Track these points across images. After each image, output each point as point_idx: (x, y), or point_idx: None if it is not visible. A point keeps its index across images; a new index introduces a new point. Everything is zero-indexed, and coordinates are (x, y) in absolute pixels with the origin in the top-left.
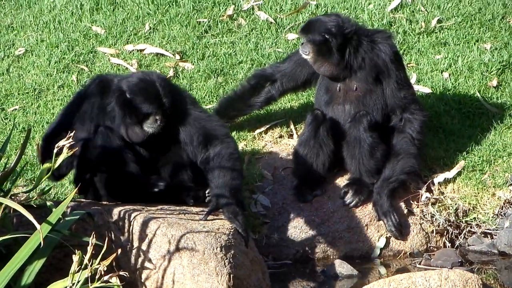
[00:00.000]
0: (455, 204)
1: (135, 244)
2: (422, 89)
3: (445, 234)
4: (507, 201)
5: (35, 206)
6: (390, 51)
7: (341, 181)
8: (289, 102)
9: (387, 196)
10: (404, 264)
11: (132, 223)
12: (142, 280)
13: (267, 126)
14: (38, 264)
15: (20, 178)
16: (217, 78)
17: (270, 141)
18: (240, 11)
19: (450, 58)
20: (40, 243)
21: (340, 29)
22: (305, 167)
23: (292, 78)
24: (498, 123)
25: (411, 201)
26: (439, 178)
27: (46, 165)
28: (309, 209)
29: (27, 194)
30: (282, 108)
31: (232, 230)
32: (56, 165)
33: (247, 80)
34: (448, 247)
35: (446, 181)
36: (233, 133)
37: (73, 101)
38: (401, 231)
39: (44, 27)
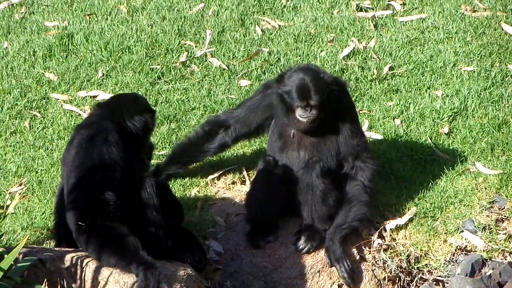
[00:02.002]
0: (407, 250)
1: None
2: (374, 135)
3: (397, 281)
4: (458, 247)
5: None
6: (346, 99)
7: (294, 227)
8: (242, 149)
9: (339, 243)
10: None
11: (84, 269)
12: None
13: (220, 172)
14: None
15: None
16: (170, 124)
17: (223, 187)
18: (193, 58)
19: (402, 105)
20: None
21: (334, 79)
22: (257, 213)
23: (245, 124)
24: (449, 169)
25: (363, 247)
26: (391, 224)
27: None
28: (261, 255)
29: None
30: (234, 154)
31: (185, 277)
32: (8, 212)
33: (201, 126)
34: None
35: (398, 228)
36: (186, 179)
37: None
38: (354, 277)
39: None
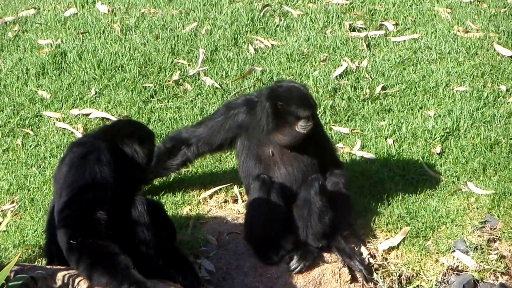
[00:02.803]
0: (399, 270)
1: None
2: (366, 155)
3: None
4: (450, 267)
5: None
6: None
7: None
8: (234, 167)
9: (345, 242)
10: None
11: None
12: None
13: (212, 190)
14: None
15: None
16: None
17: (215, 206)
18: (186, 77)
19: (394, 125)
20: None
21: None
22: (260, 231)
23: (207, 143)
24: (441, 189)
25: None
26: (383, 245)
27: None
28: (253, 275)
29: None
30: (226, 172)
31: None
32: (0, 229)
33: (162, 143)
34: None
35: (390, 247)
36: (178, 198)
37: None
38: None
39: None
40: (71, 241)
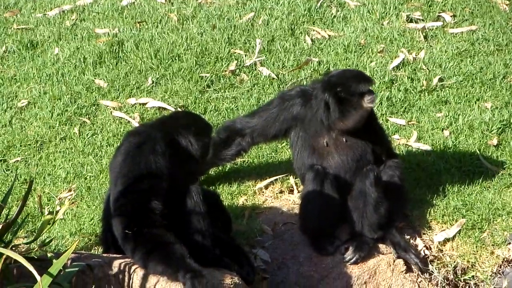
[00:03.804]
0: (454, 262)
1: None
2: (422, 146)
3: None
4: (505, 259)
5: (36, 257)
6: None
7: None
8: (290, 158)
9: (399, 235)
10: None
11: (132, 276)
12: None
13: (268, 181)
14: None
15: (21, 230)
16: None
17: (271, 196)
18: (243, 67)
19: (451, 117)
20: None
21: None
22: (316, 222)
23: (262, 134)
24: (497, 182)
25: None
26: (439, 236)
27: (48, 216)
28: (308, 265)
29: (28, 245)
30: (282, 163)
31: (232, 286)
32: (58, 218)
33: (217, 133)
34: None
35: (445, 239)
36: (234, 188)
37: None
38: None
39: (47, 80)
40: (127, 231)
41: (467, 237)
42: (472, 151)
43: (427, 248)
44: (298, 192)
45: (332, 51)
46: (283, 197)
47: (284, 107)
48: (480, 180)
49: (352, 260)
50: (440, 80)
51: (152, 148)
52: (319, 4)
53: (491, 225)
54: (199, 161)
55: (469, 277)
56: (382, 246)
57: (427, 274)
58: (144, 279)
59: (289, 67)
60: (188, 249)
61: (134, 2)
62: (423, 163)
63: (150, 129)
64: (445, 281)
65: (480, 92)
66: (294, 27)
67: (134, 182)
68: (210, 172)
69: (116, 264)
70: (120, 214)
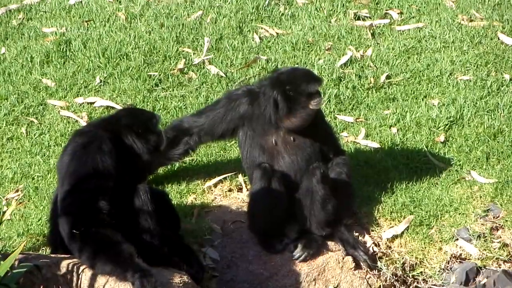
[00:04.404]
0: (402, 258)
1: None
2: (370, 144)
3: None
4: (453, 255)
5: None
6: None
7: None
8: (239, 156)
9: (348, 232)
10: None
11: (80, 276)
12: None
13: (217, 179)
14: None
15: None
16: None
17: (220, 195)
18: (191, 65)
19: (398, 114)
20: None
21: None
22: (263, 221)
23: (209, 133)
24: (445, 178)
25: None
26: (387, 233)
27: None
28: (257, 263)
29: None
30: (231, 161)
31: (181, 285)
32: (5, 218)
33: (164, 132)
34: None
35: (394, 236)
36: (182, 186)
37: None
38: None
39: None
40: (73, 230)
41: (415, 234)
42: (420, 148)
43: (375, 245)
44: (247, 190)
45: (280, 49)
46: (232, 195)
47: (231, 107)
48: (428, 177)
49: (301, 258)
50: (388, 77)
51: (98, 147)
52: (267, 2)
53: (439, 222)
54: (147, 158)
55: (418, 273)
56: (331, 244)
57: (376, 270)
58: (93, 279)
59: (238, 65)
60: (136, 248)
61: (81, 1)
62: (371, 160)
63: (96, 128)
64: (394, 277)
65: (427, 89)
66: (242, 25)
67: (81, 181)
68: (158, 171)
69: (64, 265)
70: (67, 213)
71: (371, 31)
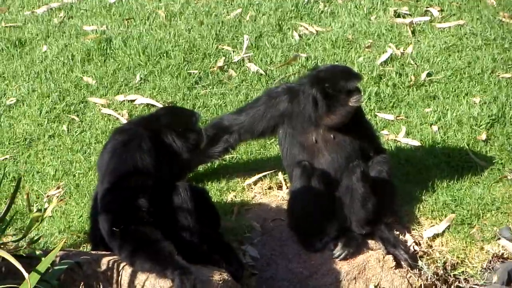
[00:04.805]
0: (444, 257)
1: None
2: (411, 142)
3: None
4: (495, 255)
5: (24, 255)
6: None
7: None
8: (279, 154)
9: (389, 231)
10: None
11: (121, 273)
12: None
13: (257, 177)
14: None
15: (9, 227)
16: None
17: (259, 193)
18: (231, 63)
19: (439, 112)
20: None
21: None
22: (303, 219)
23: (249, 131)
24: (486, 177)
25: None
26: (428, 232)
27: (36, 214)
28: (297, 261)
29: (16, 243)
30: (271, 159)
31: (221, 282)
32: (46, 215)
33: (204, 130)
34: None
35: (435, 235)
36: (222, 184)
37: None
38: (413, 258)
39: (35, 77)
40: (113, 228)
41: (457, 233)
42: (461, 146)
43: (416, 244)
44: (287, 188)
45: (320, 46)
46: (272, 193)
47: (271, 104)
48: (469, 175)
49: (341, 256)
50: (428, 75)
51: (138, 145)
52: (306, 0)
53: (481, 221)
54: (187, 157)
55: (459, 273)
56: (371, 242)
57: (417, 269)
58: (133, 276)
59: (277, 63)
60: (176, 246)
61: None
62: (412, 159)
63: (136, 126)
64: (435, 276)
65: (468, 87)
66: (281, 23)
67: (121, 179)
68: (198, 169)
69: (104, 262)
70: (107, 211)
71: (412, 29)
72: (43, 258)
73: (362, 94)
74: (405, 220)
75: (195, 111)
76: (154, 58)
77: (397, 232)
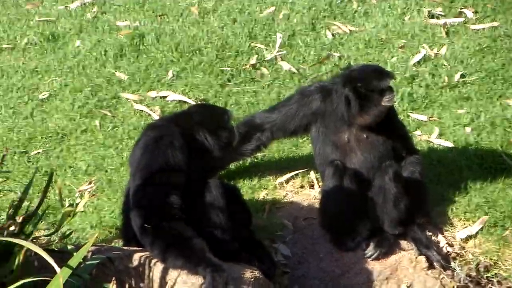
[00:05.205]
0: (476, 259)
1: None
2: (444, 143)
3: None
4: None
5: (56, 250)
6: None
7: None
8: (311, 152)
9: (421, 232)
10: None
11: (152, 269)
12: None
13: (289, 175)
14: None
15: (41, 222)
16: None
17: (291, 191)
18: (263, 61)
19: (472, 113)
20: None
21: None
22: (336, 218)
23: (281, 129)
24: None
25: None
26: (461, 233)
27: (68, 209)
28: (329, 260)
29: (48, 237)
30: (303, 157)
31: (252, 280)
32: (78, 210)
33: (236, 128)
34: None
35: (468, 236)
36: (254, 181)
37: None
38: (446, 259)
39: (68, 72)
40: (145, 224)
41: (490, 235)
42: (494, 148)
43: (449, 245)
44: (319, 187)
45: (353, 46)
46: (303, 192)
47: (304, 103)
48: (503, 177)
49: (373, 256)
50: (462, 76)
51: (170, 142)
52: None
53: None
54: (219, 154)
55: (492, 275)
56: (403, 243)
57: (450, 271)
58: (165, 272)
59: (310, 62)
60: (207, 243)
61: None
62: (444, 160)
63: (168, 123)
64: (468, 278)
65: (502, 89)
66: (315, 22)
67: (153, 175)
68: (230, 166)
69: (136, 257)
70: (139, 207)
71: (445, 30)
72: (74, 253)
73: (395, 93)
74: (437, 221)
75: (227, 109)
76: (187, 55)
77: (430, 233)
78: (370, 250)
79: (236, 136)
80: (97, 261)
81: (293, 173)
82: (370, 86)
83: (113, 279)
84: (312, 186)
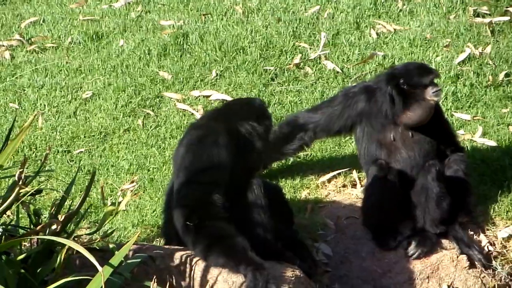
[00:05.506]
0: None
1: None
2: (487, 142)
3: None
4: None
5: (97, 248)
6: None
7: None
8: (354, 152)
9: (463, 231)
10: None
11: (193, 268)
12: None
13: (331, 175)
14: None
15: (83, 220)
16: None
17: (333, 190)
18: (307, 60)
19: None
20: (102, 286)
21: None
22: (378, 217)
23: (325, 130)
24: None
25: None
26: (502, 232)
27: (110, 207)
28: (371, 259)
29: (90, 236)
30: (345, 157)
31: (293, 278)
32: (120, 209)
33: (279, 127)
34: None
35: (510, 235)
36: (297, 181)
37: None
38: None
39: (111, 71)
40: (188, 223)
41: None
42: None
43: (490, 244)
44: (361, 186)
45: (398, 45)
46: (346, 191)
47: (348, 104)
48: None
49: (415, 255)
50: (507, 75)
51: (214, 141)
52: None
53: None
54: (260, 146)
55: None
56: (445, 242)
57: (491, 270)
58: (206, 270)
59: (354, 61)
60: (249, 242)
61: None
62: (488, 159)
63: (212, 121)
64: (509, 277)
65: None
66: (359, 21)
67: (196, 174)
68: (272, 166)
69: (177, 256)
70: (182, 206)
71: (491, 29)
72: (116, 252)
73: (441, 89)
74: (479, 220)
75: (255, 97)
76: (230, 54)
77: (471, 232)
78: (412, 249)
79: (271, 120)
80: (139, 260)
81: (335, 172)
82: (412, 82)
83: (154, 277)
84: (354, 186)
